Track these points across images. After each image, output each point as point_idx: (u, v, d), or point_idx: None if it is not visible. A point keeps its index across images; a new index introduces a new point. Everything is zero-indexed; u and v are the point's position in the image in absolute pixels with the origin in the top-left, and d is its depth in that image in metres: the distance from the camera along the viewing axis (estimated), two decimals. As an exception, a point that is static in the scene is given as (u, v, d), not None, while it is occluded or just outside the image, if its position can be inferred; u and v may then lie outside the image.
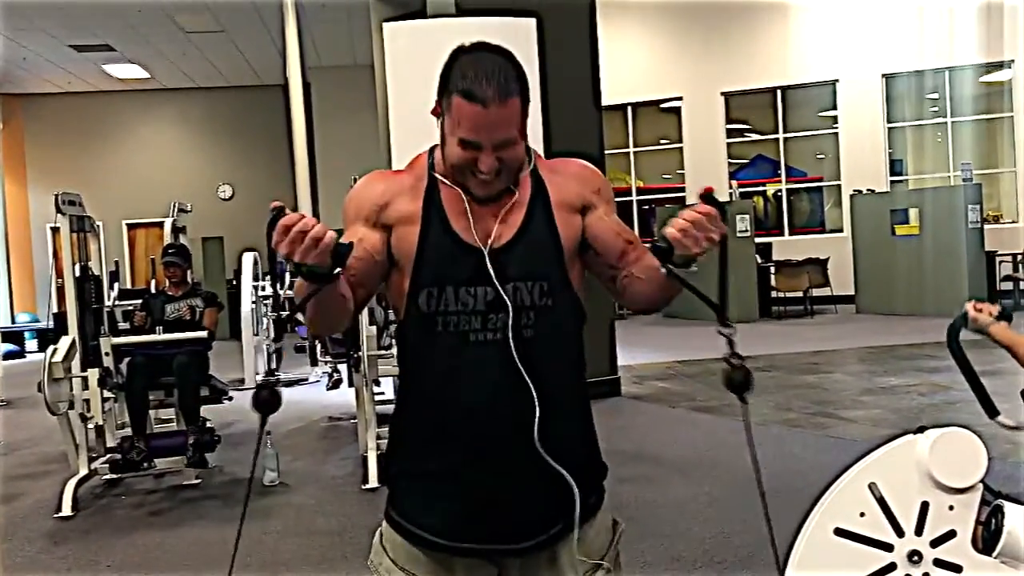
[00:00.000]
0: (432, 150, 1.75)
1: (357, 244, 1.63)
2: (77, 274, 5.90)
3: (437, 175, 1.71)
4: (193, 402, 5.90)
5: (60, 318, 10.07)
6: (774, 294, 14.68)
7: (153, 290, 7.78)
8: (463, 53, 1.62)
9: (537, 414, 1.60)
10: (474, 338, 1.63)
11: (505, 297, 1.62)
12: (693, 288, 1.58)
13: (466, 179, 1.65)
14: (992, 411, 2.47)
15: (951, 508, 1.60)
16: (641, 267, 1.72)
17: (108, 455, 5.76)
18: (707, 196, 1.58)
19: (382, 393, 7.47)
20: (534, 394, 1.60)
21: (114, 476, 5.90)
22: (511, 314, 1.62)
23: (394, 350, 5.98)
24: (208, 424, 6.05)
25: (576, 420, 1.74)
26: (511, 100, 1.59)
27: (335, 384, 8.48)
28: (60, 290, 12.01)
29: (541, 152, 1.90)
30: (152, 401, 6.06)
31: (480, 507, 1.65)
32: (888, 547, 1.60)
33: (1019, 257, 14.21)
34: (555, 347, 1.68)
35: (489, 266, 1.63)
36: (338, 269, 1.49)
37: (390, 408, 7.37)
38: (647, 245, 1.63)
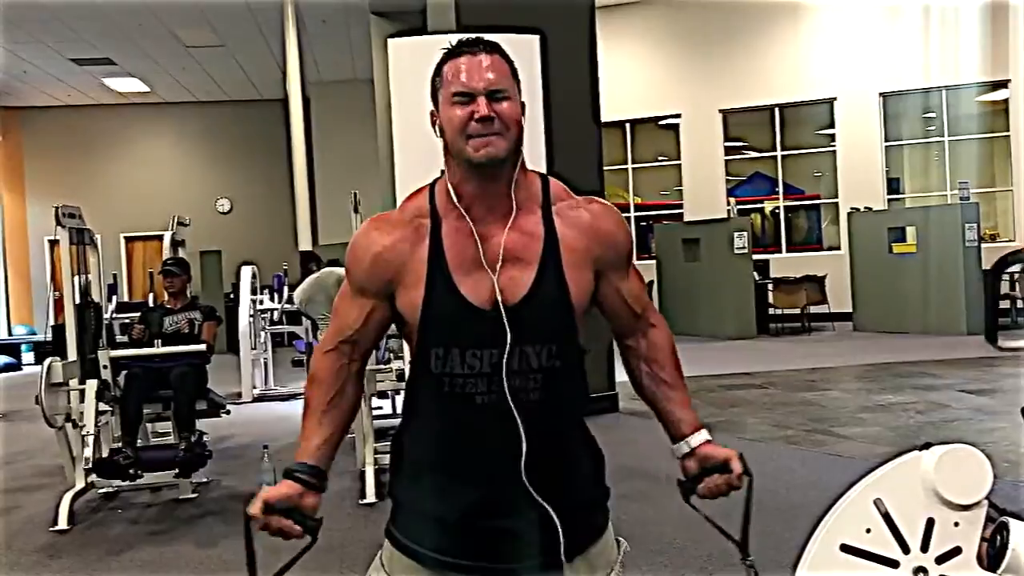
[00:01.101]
0: (433, 184, 1.72)
1: (369, 316, 1.70)
2: (77, 292, 5.89)
3: (438, 203, 1.69)
4: (188, 412, 5.87)
5: (58, 331, 10.06)
6: (772, 311, 14.69)
7: (151, 303, 7.78)
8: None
9: (551, 462, 1.64)
10: (480, 400, 1.62)
11: (506, 360, 1.61)
12: (714, 523, 1.76)
13: (466, 145, 1.61)
14: (993, 337, 2.43)
15: (956, 525, 1.59)
16: (646, 352, 1.80)
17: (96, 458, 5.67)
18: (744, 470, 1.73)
19: (380, 408, 7.46)
20: (522, 447, 1.61)
21: (110, 490, 5.89)
22: (517, 378, 1.62)
23: (392, 364, 5.97)
24: (204, 439, 6.02)
25: (582, 462, 1.75)
26: (498, 56, 1.64)
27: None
28: (58, 303, 12.01)
29: (543, 167, 1.89)
30: (149, 414, 6.04)
31: (483, 539, 1.66)
32: (894, 563, 1.60)
33: (1016, 276, 14.23)
34: (560, 405, 1.68)
35: (507, 327, 1.61)
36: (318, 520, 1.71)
37: (388, 423, 7.35)
38: (678, 456, 1.80)
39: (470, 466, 1.65)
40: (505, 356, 1.60)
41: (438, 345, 1.63)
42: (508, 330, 1.60)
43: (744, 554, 1.69)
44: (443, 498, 1.66)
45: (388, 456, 1.86)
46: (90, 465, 5.47)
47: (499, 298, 1.61)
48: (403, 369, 5.57)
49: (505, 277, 1.62)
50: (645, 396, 1.82)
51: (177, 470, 5.68)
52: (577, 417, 1.75)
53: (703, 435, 1.76)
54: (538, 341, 1.62)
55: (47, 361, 5.52)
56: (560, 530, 1.64)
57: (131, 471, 5.54)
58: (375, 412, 6.24)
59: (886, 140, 16.06)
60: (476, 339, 1.61)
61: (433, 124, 1.68)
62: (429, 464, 1.69)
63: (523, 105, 1.68)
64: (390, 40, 5.42)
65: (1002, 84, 15.39)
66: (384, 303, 1.70)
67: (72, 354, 5.67)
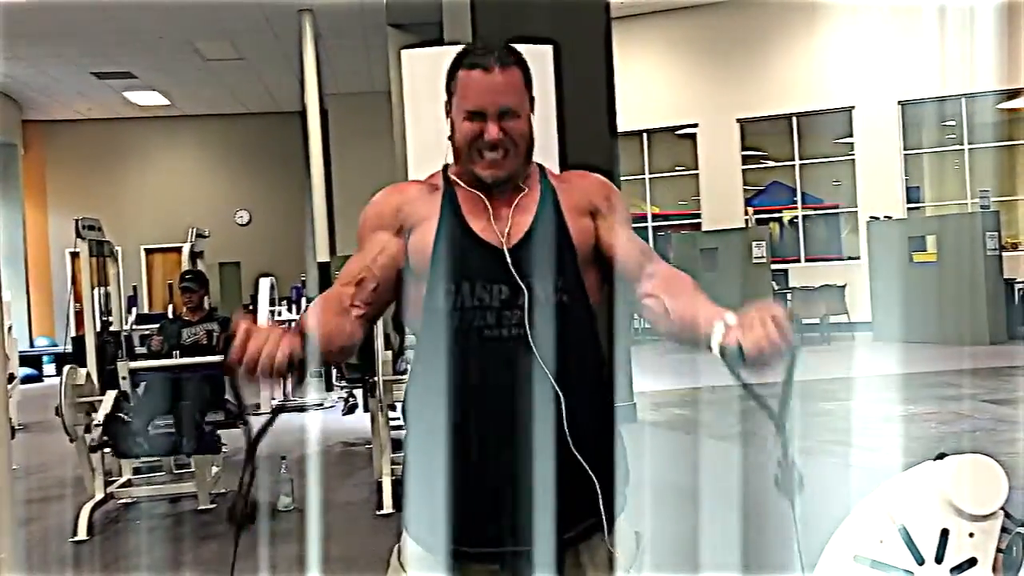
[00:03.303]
0: (446, 166, 1.78)
1: (380, 252, 1.70)
2: (98, 308, 5.88)
3: (452, 175, 1.75)
4: (194, 418, 5.70)
5: (78, 342, 10.11)
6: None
7: (171, 315, 7.81)
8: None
9: (564, 405, 1.60)
10: (489, 334, 1.64)
11: (524, 291, 1.64)
12: (759, 397, 1.61)
13: (474, 163, 1.67)
14: None
15: (971, 536, 1.58)
16: (665, 284, 1.70)
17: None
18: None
19: (398, 418, 7.46)
20: (555, 386, 1.60)
21: (129, 501, 5.92)
22: (528, 309, 1.63)
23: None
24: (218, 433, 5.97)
25: (596, 417, 1.71)
26: (512, 69, 1.66)
27: (350, 409, 8.50)
28: (78, 314, 12.08)
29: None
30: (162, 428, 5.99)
31: (498, 509, 1.62)
32: (908, 575, 1.58)
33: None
34: (569, 343, 1.67)
35: (509, 261, 1.65)
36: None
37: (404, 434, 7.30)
38: (715, 344, 1.55)
39: (483, 405, 1.63)
40: (521, 285, 1.64)
41: (448, 280, 1.65)
42: (510, 263, 1.64)
43: (779, 429, 1.62)
44: (455, 451, 1.63)
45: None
46: (100, 422, 5.39)
47: (492, 235, 1.67)
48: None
49: (513, 222, 1.70)
50: (672, 321, 1.66)
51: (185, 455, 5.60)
52: (589, 370, 1.73)
53: (733, 316, 1.55)
54: (543, 275, 1.66)
55: (66, 368, 5.56)
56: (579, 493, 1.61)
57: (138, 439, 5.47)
58: (392, 423, 6.24)
59: (905, 148, 15.96)
60: (486, 273, 1.65)
61: (448, 115, 1.73)
62: (440, 417, 1.65)
63: (533, 100, 1.72)
64: (403, 51, 5.41)
65: (1023, 92, 15.27)
66: (397, 239, 1.72)
67: (91, 365, 5.70)
